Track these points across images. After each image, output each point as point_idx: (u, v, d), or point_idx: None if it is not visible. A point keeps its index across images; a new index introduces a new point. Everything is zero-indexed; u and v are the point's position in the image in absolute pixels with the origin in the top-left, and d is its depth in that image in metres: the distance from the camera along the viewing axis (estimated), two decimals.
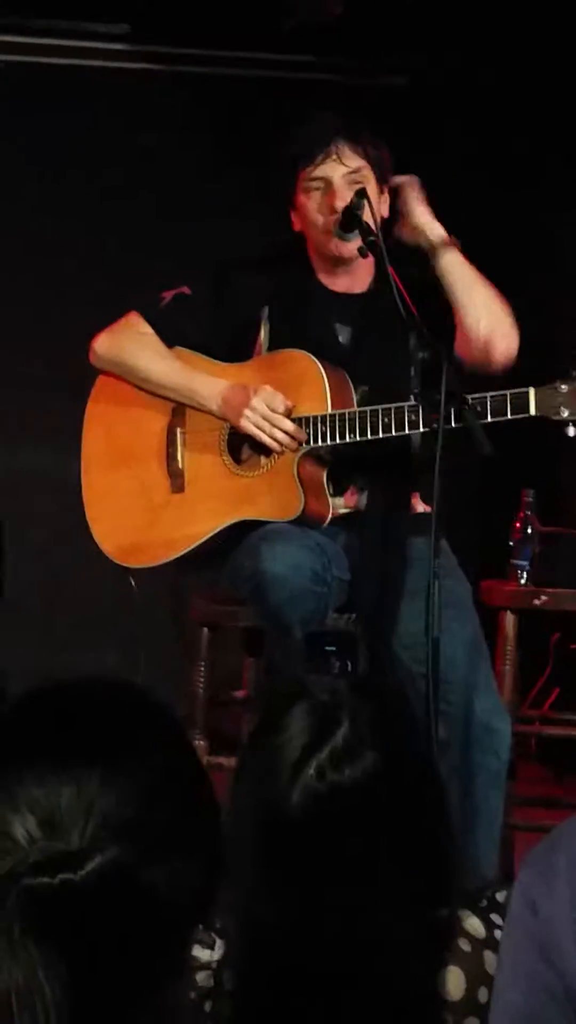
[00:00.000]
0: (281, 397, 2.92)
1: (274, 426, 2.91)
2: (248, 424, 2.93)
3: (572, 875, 1.16)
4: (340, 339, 3.01)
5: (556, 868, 1.17)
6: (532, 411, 2.77)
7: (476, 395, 2.80)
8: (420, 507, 3.02)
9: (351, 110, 3.05)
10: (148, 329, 3.05)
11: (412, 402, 2.82)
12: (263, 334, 3.01)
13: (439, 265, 2.93)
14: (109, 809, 1.11)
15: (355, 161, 2.94)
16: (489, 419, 2.78)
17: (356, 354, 2.98)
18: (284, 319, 3.00)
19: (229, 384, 2.98)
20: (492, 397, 2.79)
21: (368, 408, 2.87)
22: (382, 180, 2.97)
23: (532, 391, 2.78)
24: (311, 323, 3.00)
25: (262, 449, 2.97)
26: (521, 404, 2.78)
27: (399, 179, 2.96)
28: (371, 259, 2.98)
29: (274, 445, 2.93)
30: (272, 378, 2.97)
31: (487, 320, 2.91)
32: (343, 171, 2.93)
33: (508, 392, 2.79)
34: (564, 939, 1.15)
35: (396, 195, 2.96)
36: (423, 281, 2.91)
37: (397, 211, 2.96)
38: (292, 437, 2.91)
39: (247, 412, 2.92)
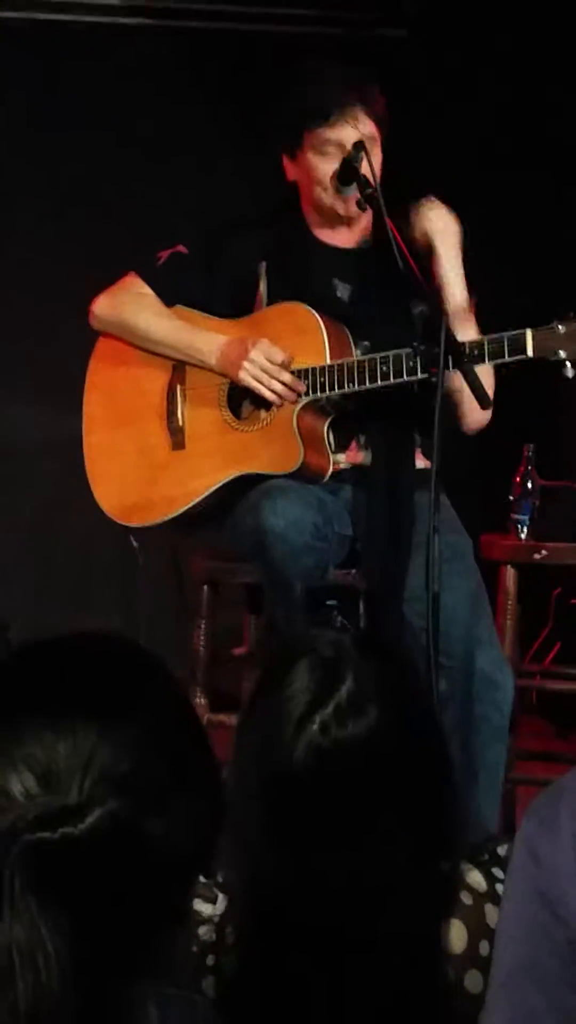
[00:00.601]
0: (279, 349, 2.91)
1: (272, 377, 2.90)
2: (247, 376, 2.92)
3: (575, 826, 1.16)
4: (339, 295, 2.99)
5: (559, 819, 1.17)
6: (529, 352, 2.76)
7: (473, 339, 2.79)
8: (421, 462, 3.01)
9: (364, 68, 3.00)
10: (147, 289, 3.04)
11: (401, 351, 2.81)
12: (262, 290, 3.00)
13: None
14: (106, 763, 1.11)
15: (368, 126, 2.90)
16: (487, 362, 2.77)
17: (355, 309, 2.96)
18: (282, 275, 2.98)
19: (227, 339, 2.97)
20: (490, 340, 2.78)
21: (366, 356, 2.86)
22: (383, 140, 2.94)
23: (529, 332, 2.77)
24: (310, 279, 2.98)
25: (262, 403, 2.96)
26: (518, 346, 2.77)
27: (439, 224, 2.88)
28: (368, 213, 2.96)
29: (272, 397, 2.91)
30: (270, 331, 2.95)
31: (476, 419, 2.90)
32: (356, 134, 2.90)
33: (505, 334, 2.78)
34: (567, 888, 1.15)
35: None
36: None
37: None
38: (291, 388, 2.90)
39: (245, 364, 2.91)
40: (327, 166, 2.91)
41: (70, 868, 1.09)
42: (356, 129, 2.89)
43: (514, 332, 2.78)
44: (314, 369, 2.90)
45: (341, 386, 2.88)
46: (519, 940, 1.18)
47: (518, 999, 1.18)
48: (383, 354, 2.84)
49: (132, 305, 3.04)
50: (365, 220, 2.99)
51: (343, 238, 3.01)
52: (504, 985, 1.20)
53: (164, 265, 3.03)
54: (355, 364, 2.86)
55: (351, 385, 2.86)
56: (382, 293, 2.96)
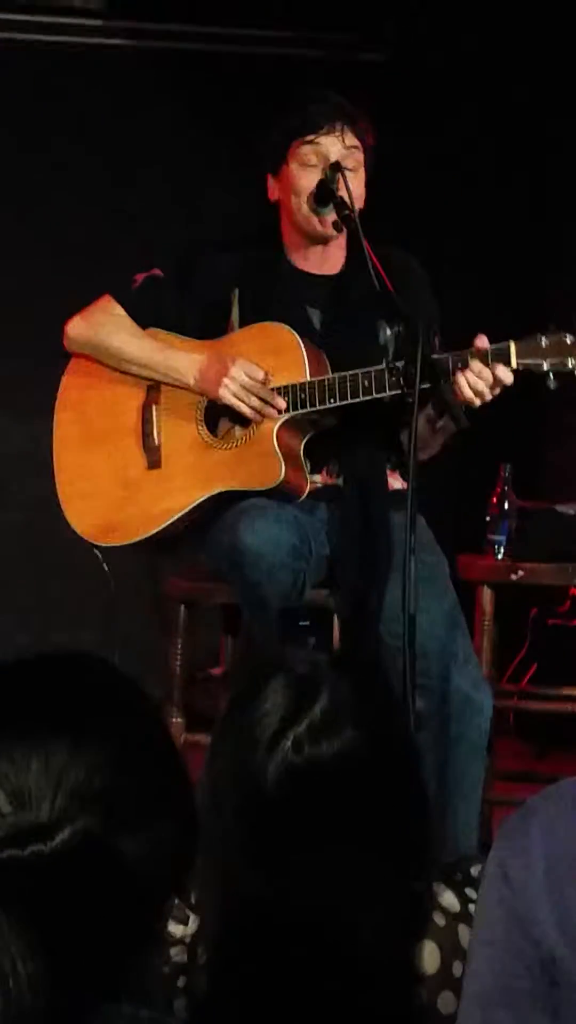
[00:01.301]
0: (258, 366, 2.92)
1: (252, 394, 2.90)
2: (227, 393, 2.92)
3: (546, 845, 1.16)
4: (312, 322, 3.00)
5: (530, 838, 1.17)
6: (513, 364, 2.78)
7: (458, 351, 2.80)
8: (397, 483, 3.01)
9: (352, 94, 3.03)
10: (121, 311, 3.04)
11: (383, 367, 2.82)
12: (234, 316, 3.00)
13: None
14: (78, 781, 1.11)
15: (353, 143, 2.92)
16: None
17: (329, 337, 2.97)
18: (255, 301, 2.99)
19: (206, 357, 2.97)
20: (472, 355, 2.79)
21: (348, 372, 2.87)
22: (368, 167, 2.96)
23: (513, 344, 2.79)
24: (282, 306, 2.99)
25: (239, 420, 2.97)
26: (503, 357, 2.78)
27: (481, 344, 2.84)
28: (343, 239, 2.97)
29: (253, 414, 2.92)
30: (247, 351, 2.96)
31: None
32: (340, 149, 2.91)
33: (490, 346, 2.79)
34: (538, 909, 1.15)
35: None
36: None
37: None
38: (271, 404, 2.90)
39: (226, 381, 2.91)
40: (308, 179, 2.93)
41: (40, 886, 1.09)
42: (342, 143, 2.91)
43: (498, 344, 2.79)
44: (295, 386, 2.91)
45: (323, 401, 2.88)
46: (490, 960, 1.18)
47: (489, 1018, 1.18)
48: (364, 370, 2.85)
49: (107, 326, 3.04)
50: (340, 244, 3.00)
51: (319, 262, 3.02)
52: (475, 1005, 1.20)
53: (139, 288, 3.04)
54: (335, 379, 2.88)
55: (332, 400, 2.87)
56: (353, 320, 2.98)
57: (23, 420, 4.01)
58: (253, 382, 2.90)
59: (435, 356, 2.80)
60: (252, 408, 2.91)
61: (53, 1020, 1.09)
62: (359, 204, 2.91)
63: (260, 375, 2.91)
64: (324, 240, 2.97)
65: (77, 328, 3.07)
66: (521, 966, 1.16)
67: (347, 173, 2.89)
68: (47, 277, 4.18)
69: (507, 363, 2.78)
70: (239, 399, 2.91)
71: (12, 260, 4.43)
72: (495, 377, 2.77)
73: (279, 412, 2.91)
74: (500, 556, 3.32)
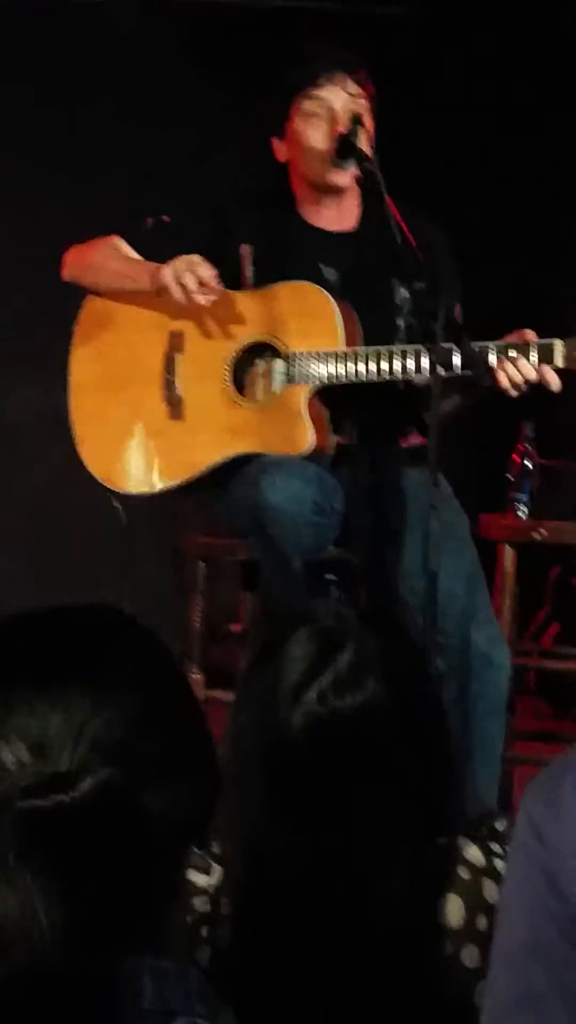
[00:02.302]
0: (204, 264, 2.86)
1: (184, 271, 2.84)
2: (167, 275, 2.87)
3: None
4: (326, 278, 2.97)
5: (562, 795, 1.16)
6: (559, 363, 2.75)
7: (501, 342, 2.76)
8: (414, 440, 2.99)
9: (349, 46, 2.99)
10: (125, 245, 3.02)
11: (415, 344, 2.79)
12: (248, 273, 2.97)
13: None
14: (99, 733, 1.10)
15: (355, 89, 2.90)
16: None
17: (344, 294, 2.94)
18: (268, 258, 2.96)
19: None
20: (518, 348, 2.76)
21: (386, 348, 2.83)
22: (373, 115, 2.93)
23: (559, 343, 2.76)
24: (296, 263, 2.96)
25: (268, 379, 2.94)
26: (547, 355, 2.75)
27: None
28: (357, 195, 2.94)
29: (179, 294, 2.85)
30: (281, 310, 2.93)
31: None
32: (345, 97, 2.88)
33: (535, 342, 2.75)
34: (571, 866, 1.13)
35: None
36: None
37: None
38: (205, 284, 2.84)
39: (165, 268, 2.87)
40: (316, 131, 2.89)
41: (62, 836, 1.08)
42: (345, 91, 2.88)
43: (543, 341, 2.76)
44: (332, 354, 2.88)
45: (358, 375, 2.85)
46: (522, 917, 1.17)
47: (520, 975, 1.17)
48: (403, 347, 2.82)
49: (101, 247, 3.02)
50: (354, 200, 2.97)
51: (333, 218, 2.99)
52: (506, 961, 1.19)
53: (148, 230, 3.01)
54: (376, 353, 2.84)
55: (369, 374, 2.84)
56: (369, 278, 2.94)
57: (42, 385, 3.99)
58: (193, 263, 2.85)
59: (476, 344, 2.76)
60: (182, 284, 2.84)
61: (75, 971, 1.08)
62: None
63: (205, 272, 2.84)
64: (339, 192, 2.94)
65: (72, 254, 3.06)
66: (552, 923, 1.15)
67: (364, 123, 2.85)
68: (59, 235, 4.16)
69: (550, 361, 2.74)
70: (176, 280, 2.85)
71: (23, 219, 4.41)
72: (541, 379, 2.74)
73: (310, 371, 2.88)
74: (522, 515, 3.30)
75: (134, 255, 3.02)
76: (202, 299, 2.87)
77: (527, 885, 1.16)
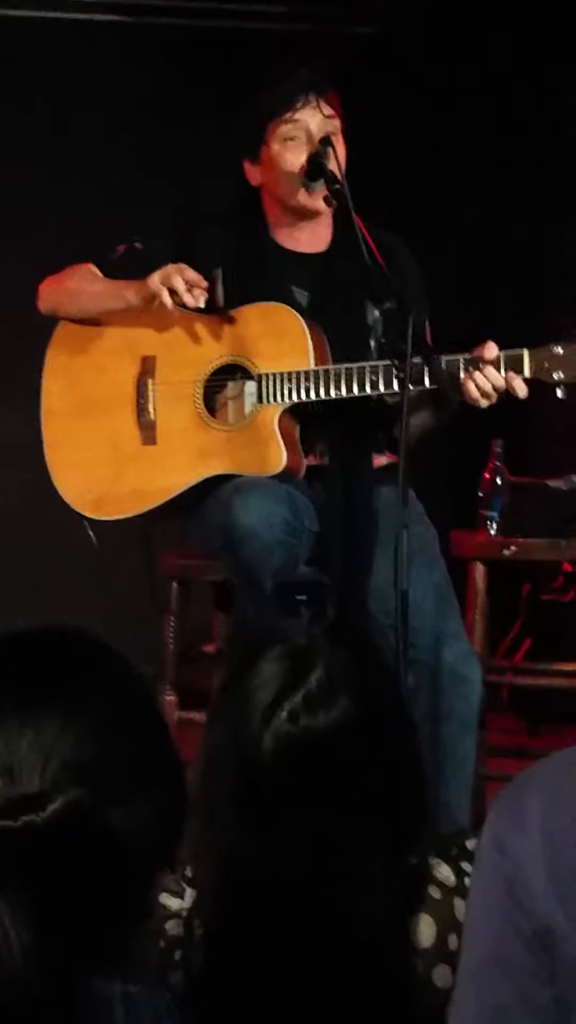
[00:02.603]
0: (191, 270, 2.87)
1: (171, 277, 2.85)
2: (154, 282, 2.87)
3: (545, 815, 1.15)
4: (299, 302, 2.98)
5: (526, 810, 1.17)
6: (527, 373, 2.76)
7: (469, 355, 2.78)
8: (384, 459, 3.01)
9: (318, 66, 3.02)
10: (98, 272, 3.03)
11: (384, 360, 2.81)
12: (219, 294, 2.98)
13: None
14: (68, 754, 1.12)
15: (328, 110, 2.92)
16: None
17: (316, 317, 2.95)
18: (239, 281, 2.97)
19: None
20: (486, 360, 2.77)
21: (355, 365, 2.85)
22: (344, 134, 2.95)
23: (527, 352, 2.77)
24: (268, 285, 2.97)
25: (239, 401, 2.95)
26: (515, 365, 2.76)
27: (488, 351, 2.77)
28: (330, 218, 2.96)
29: (166, 299, 2.86)
30: (250, 331, 2.94)
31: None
32: (321, 119, 2.90)
33: (502, 353, 2.77)
34: (534, 879, 1.14)
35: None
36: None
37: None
38: (194, 286, 2.85)
39: (151, 278, 2.88)
40: (293, 155, 2.91)
41: (33, 857, 1.09)
42: (320, 113, 2.90)
43: (511, 351, 2.77)
44: (300, 373, 2.89)
45: (327, 392, 2.86)
46: (486, 932, 1.18)
47: (486, 991, 1.17)
48: (372, 363, 2.84)
49: (77, 275, 3.03)
50: (327, 222, 2.99)
51: (305, 241, 3.00)
52: (472, 977, 1.19)
53: (120, 256, 3.03)
54: (343, 371, 2.85)
55: (338, 392, 2.85)
56: (340, 299, 2.96)
57: (15, 407, 3.99)
58: (180, 268, 2.86)
59: (445, 357, 2.77)
60: (171, 287, 2.85)
61: (44, 992, 1.09)
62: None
63: (191, 274, 2.86)
64: (312, 215, 2.96)
65: (47, 284, 3.06)
66: (516, 938, 1.15)
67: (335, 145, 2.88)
68: (34, 255, 4.16)
69: (519, 371, 2.76)
70: (162, 284, 2.86)
71: (11, 241, 4.41)
72: (509, 387, 2.75)
73: (280, 391, 2.89)
74: (493, 532, 3.32)
75: (109, 282, 3.03)
76: (191, 300, 2.87)
77: (491, 899, 1.17)
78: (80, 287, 3.04)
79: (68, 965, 1.10)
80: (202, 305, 2.89)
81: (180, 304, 2.90)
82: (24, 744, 1.10)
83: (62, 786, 1.10)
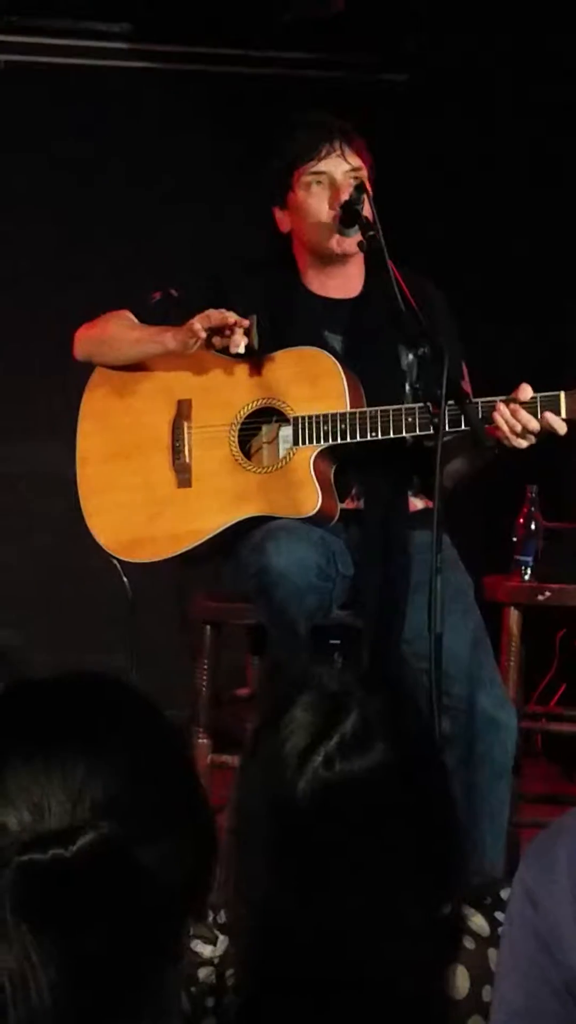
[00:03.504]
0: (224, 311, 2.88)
1: (222, 318, 2.86)
2: (197, 325, 2.88)
3: (572, 867, 1.14)
4: (333, 347, 2.99)
5: (556, 860, 1.16)
6: (563, 414, 2.77)
7: (506, 397, 2.78)
8: (419, 503, 3.01)
9: (345, 115, 3.05)
10: (133, 318, 3.05)
11: (419, 404, 2.81)
12: (253, 341, 2.99)
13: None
14: (96, 795, 1.12)
15: (355, 160, 2.94)
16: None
17: (350, 362, 2.97)
18: (274, 327, 2.98)
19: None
20: (523, 403, 2.77)
21: (391, 408, 2.86)
22: (371, 182, 2.97)
23: (563, 395, 2.78)
24: (301, 331, 2.99)
25: (274, 444, 2.96)
26: (552, 407, 2.77)
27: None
28: (361, 263, 2.97)
29: (220, 342, 2.87)
30: (286, 375, 2.96)
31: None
32: (346, 167, 2.93)
33: (538, 395, 2.78)
34: (565, 932, 1.13)
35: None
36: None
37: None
38: (236, 323, 2.86)
39: (195, 319, 2.89)
40: (318, 201, 2.94)
41: (60, 892, 1.09)
42: (345, 160, 2.92)
43: (548, 394, 2.78)
44: (336, 415, 2.90)
45: (363, 435, 2.87)
46: (517, 983, 1.16)
47: None
48: (408, 406, 2.85)
49: (112, 322, 3.05)
50: (358, 267, 3.00)
51: (338, 287, 3.02)
52: None
53: (156, 303, 3.05)
54: (379, 414, 2.86)
55: (374, 434, 2.86)
56: (374, 344, 2.97)
57: (48, 440, 4.02)
58: (219, 311, 2.87)
59: (480, 401, 2.78)
60: (227, 325, 2.86)
61: None
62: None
63: (231, 314, 2.87)
64: (343, 260, 2.97)
65: (84, 332, 3.09)
66: (548, 989, 1.14)
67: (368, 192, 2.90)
68: (68, 301, 4.20)
69: (556, 413, 2.76)
70: (211, 323, 2.87)
71: (32, 284, 4.45)
72: (547, 425, 2.75)
73: (316, 433, 2.89)
74: (527, 577, 3.31)
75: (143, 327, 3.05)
76: (234, 345, 2.87)
77: (522, 951, 1.16)
78: (118, 334, 3.06)
79: (96, 1005, 1.10)
80: (242, 351, 2.90)
81: (220, 349, 2.92)
82: (54, 785, 1.11)
83: (91, 821, 1.10)
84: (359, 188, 2.91)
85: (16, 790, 1.11)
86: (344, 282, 3.02)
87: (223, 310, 2.90)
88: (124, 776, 1.13)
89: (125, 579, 3.03)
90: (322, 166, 2.94)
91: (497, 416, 2.76)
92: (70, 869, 1.09)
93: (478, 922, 1.54)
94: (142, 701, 1.20)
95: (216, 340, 2.91)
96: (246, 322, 2.90)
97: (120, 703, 1.19)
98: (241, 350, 2.90)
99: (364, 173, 2.96)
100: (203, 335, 2.89)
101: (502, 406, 2.76)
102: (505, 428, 2.76)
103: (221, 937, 1.50)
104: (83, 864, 1.09)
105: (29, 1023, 1.07)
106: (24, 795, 1.11)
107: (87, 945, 1.09)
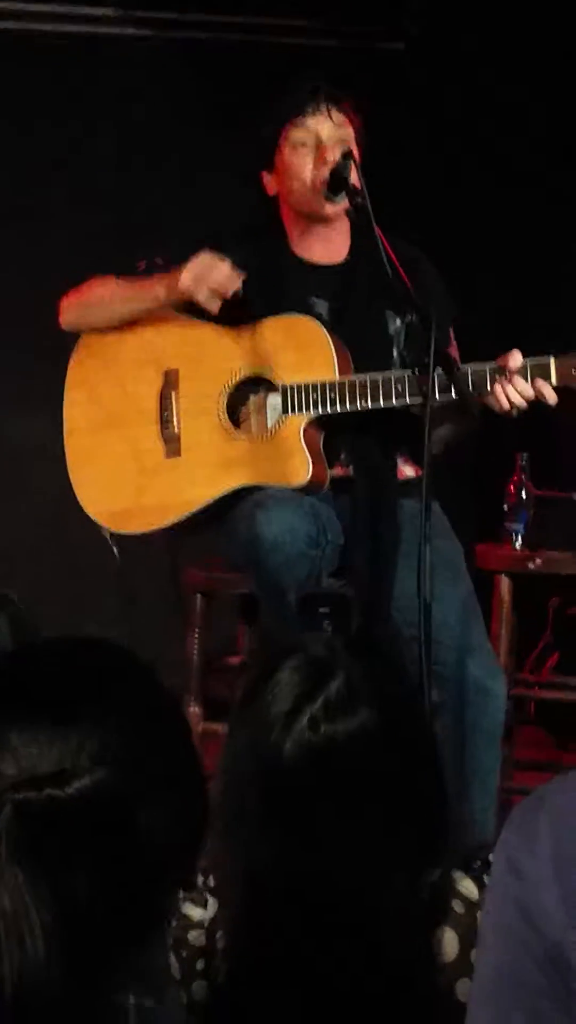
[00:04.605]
0: (220, 259, 2.88)
1: (210, 274, 2.87)
2: (187, 281, 2.88)
3: (555, 835, 1.15)
4: (317, 312, 2.99)
5: (538, 828, 1.16)
6: (553, 380, 2.76)
7: (495, 363, 2.78)
8: (409, 471, 3.01)
9: (337, 79, 3.03)
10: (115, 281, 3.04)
11: (409, 371, 2.81)
12: (242, 306, 2.99)
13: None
14: (95, 750, 1.14)
15: (340, 119, 2.93)
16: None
17: (336, 328, 2.96)
18: (259, 294, 2.97)
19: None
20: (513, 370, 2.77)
21: (380, 375, 2.85)
22: (361, 147, 2.96)
23: (552, 360, 2.77)
24: (286, 297, 2.98)
25: (263, 412, 2.96)
26: (542, 373, 2.76)
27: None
28: (347, 227, 2.96)
29: (206, 303, 2.87)
30: (273, 342, 2.95)
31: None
32: (331, 127, 2.92)
33: (528, 361, 2.77)
34: (546, 900, 1.14)
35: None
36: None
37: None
38: (227, 281, 2.87)
39: (183, 275, 2.88)
40: (303, 160, 2.92)
41: (53, 833, 1.11)
42: (330, 120, 2.91)
43: (537, 359, 2.77)
44: (325, 384, 2.89)
45: (353, 404, 2.87)
46: (498, 951, 1.17)
47: (497, 1009, 1.17)
48: (397, 373, 2.84)
49: (99, 284, 3.04)
50: (343, 231, 2.99)
51: (323, 252, 3.01)
52: (484, 996, 1.19)
53: (142, 274, 3.04)
54: (368, 382, 2.85)
55: (363, 403, 2.85)
56: (360, 310, 2.96)
57: (38, 412, 4.02)
58: (211, 262, 2.86)
59: (470, 367, 2.77)
60: (208, 284, 2.86)
61: (67, 973, 1.09)
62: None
63: (224, 268, 2.87)
64: (328, 221, 2.96)
65: (69, 299, 3.07)
66: (529, 958, 1.15)
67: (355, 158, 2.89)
68: (57, 270, 4.19)
69: (546, 379, 2.75)
70: (200, 280, 2.87)
71: (21, 252, 4.43)
72: (539, 394, 2.75)
73: (305, 402, 2.89)
74: (518, 545, 3.31)
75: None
76: (227, 291, 2.87)
77: (503, 918, 1.17)
78: (106, 295, 3.05)
79: (86, 951, 1.11)
80: (230, 292, 2.86)
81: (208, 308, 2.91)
82: (55, 740, 1.13)
83: (87, 768, 1.12)
84: (346, 155, 2.90)
85: (17, 742, 1.13)
86: (330, 247, 3.01)
87: (215, 262, 2.88)
88: (123, 736, 1.15)
89: (115, 549, 3.03)
90: (309, 123, 2.93)
91: (498, 389, 2.75)
92: (64, 810, 1.11)
93: (467, 886, 1.55)
94: (142, 667, 1.22)
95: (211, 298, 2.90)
96: (238, 282, 2.88)
97: (121, 667, 1.22)
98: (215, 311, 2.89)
99: (350, 133, 2.94)
100: (202, 296, 2.88)
101: (502, 380, 2.75)
102: (504, 401, 2.75)
103: (211, 900, 1.51)
104: (77, 807, 1.11)
105: (22, 970, 1.08)
106: (24, 747, 1.13)
107: (78, 890, 1.11)
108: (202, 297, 2.89)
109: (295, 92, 2.96)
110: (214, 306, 2.90)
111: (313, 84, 2.96)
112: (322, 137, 2.92)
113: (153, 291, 2.97)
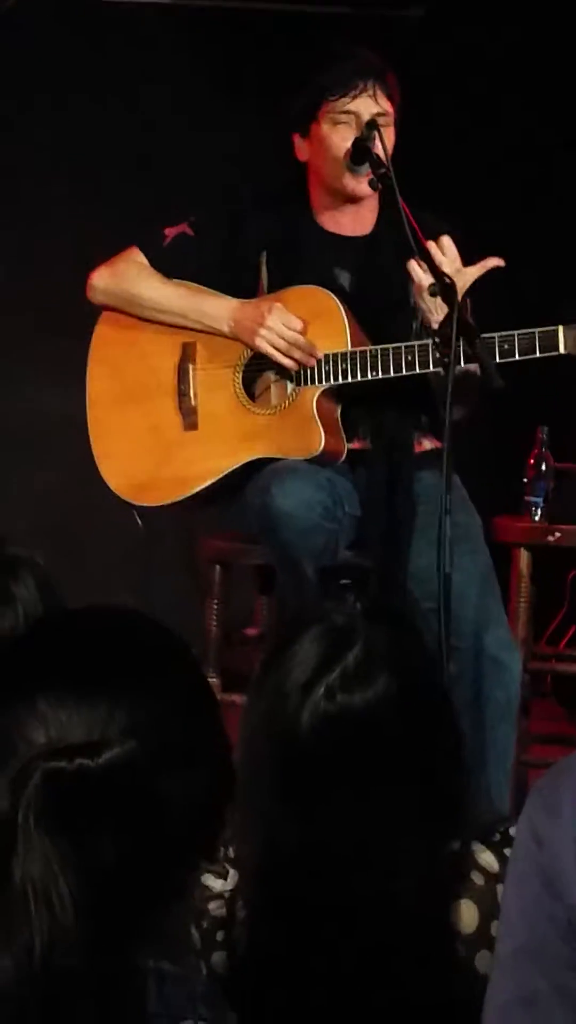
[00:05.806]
0: (295, 316, 2.89)
1: (291, 345, 2.88)
2: (263, 343, 2.90)
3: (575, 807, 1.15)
4: (340, 283, 2.98)
5: (560, 800, 1.16)
6: (561, 349, 2.76)
7: (504, 333, 2.77)
8: (428, 443, 3.00)
9: (381, 53, 3.00)
10: (145, 260, 3.03)
11: (427, 340, 2.80)
12: (263, 277, 2.98)
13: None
14: (123, 720, 1.14)
15: (385, 104, 2.90)
16: (518, 357, 2.76)
17: (358, 299, 2.95)
18: (282, 264, 2.97)
19: (240, 303, 2.95)
20: (520, 335, 2.77)
21: (391, 346, 2.85)
22: (397, 123, 2.94)
23: (561, 329, 2.77)
24: (309, 268, 2.97)
25: (278, 385, 2.96)
26: (550, 342, 2.76)
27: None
28: (375, 201, 2.95)
29: (291, 364, 2.90)
30: (292, 313, 2.94)
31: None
32: (375, 110, 2.89)
33: (537, 330, 2.77)
34: (569, 871, 1.14)
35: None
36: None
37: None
38: (308, 355, 2.88)
39: (262, 332, 2.89)
40: (341, 139, 2.90)
41: (83, 803, 1.11)
42: (375, 102, 2.89)
43: (545, 328, 2.77)
44: (337, 355, 2.89)
45: (364, 373, 2.86)
46: (521, 921, 1.18)
47: (519, 978, 1.17)
48: (407, 344, 2.84)
49: (133, 273, 3.03)
50: (372, 206, 2.98)
51: (349, 223, 3.00)
52: (506, 966, 1.19)
53: (170, 243, 3.03)
54: (379, 352, 2.85)
55: (375, 373, 2.85)
56: (383, 282, 2.95)
57: (60, 382, 4.02)
58: (291, 332, 2.88)
59: (496, 336, 2.77)
60: (291, 359, 2.88)
61: (93, 942, 1.10)
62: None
63: (297, 325, 2.88)
64: (356, 199, 2.95)
65: (102, 278, 3.06)
66: (552, 927, 1.16)
67: (381, 130, 2.86)
68: (76, 238, 4.17)
69: (555, 348, 2.75)
70: (277, 349, 2.89)
71: (41, 223, 4.42)
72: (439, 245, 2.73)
73: (317, 380, 2.89)
74: (537, 518, 3.31)
75: (170, 284, 3.01)
76: (311, 362, 2.90)
77: (526, 888, 1.17)
78: (153, 299, 3.01)
79: (113, 920, 1.12)
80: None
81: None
82: (84, 708, 1.14)
83: (117, 739, 1.13)
84: (371, 125, 2.88)
85: (46, 710, 1.13)
86: (356, 219, 3.00)
87: (288, 323, 2.88)
88: (152, 706, 1.16)
89: (139, 520, 3.03)
90: (352, 105, 2.89)
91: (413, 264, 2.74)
92: (94, 780, 1.12)
93: (487, 858, 1.55)
94: (172, 637, 1.22)
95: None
96: (319, 354, 2.88)
97: (151, 637, 1.22)
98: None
99: (391, 111, 2.91)
100: (281, 359, 2.90)
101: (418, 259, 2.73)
102: (439, 255, 2.73)
103: (231, 871, 1.52)
104: (106, 776, 1.12)
105: (52, 931, 1.09)
106: (53, 715, 1.13)
107: (105, 859, 1.12)
108: (287, 362, 2.89)
109: (343, 65, 2.91)
110: (294, 367, 2.90)
111: (362, 61, 2.91)
112: (364, 119, 2.89)
113: (214, 321, 2.96)
